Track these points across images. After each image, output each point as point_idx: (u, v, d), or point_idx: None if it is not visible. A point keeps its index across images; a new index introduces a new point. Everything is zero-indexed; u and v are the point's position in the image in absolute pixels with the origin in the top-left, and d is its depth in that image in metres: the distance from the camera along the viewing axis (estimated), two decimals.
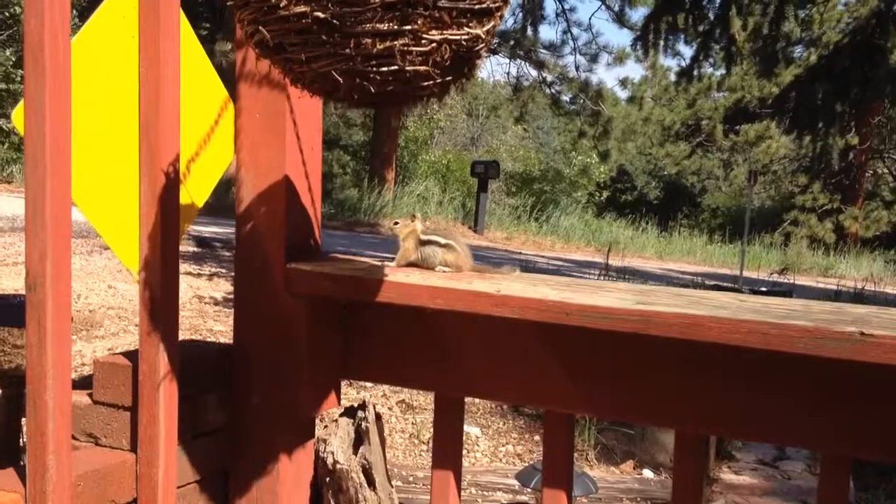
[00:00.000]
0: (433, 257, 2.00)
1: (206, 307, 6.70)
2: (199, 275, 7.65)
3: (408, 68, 1.33)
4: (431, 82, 1.40)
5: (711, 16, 9.02)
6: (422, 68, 1.34)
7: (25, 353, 2.62)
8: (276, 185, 2.05)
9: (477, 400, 5.20)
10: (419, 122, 30.14)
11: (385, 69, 1.33)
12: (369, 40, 1.29)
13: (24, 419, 2.74)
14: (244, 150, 2.07)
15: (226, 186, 18.72)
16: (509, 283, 1.90)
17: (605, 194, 32.41)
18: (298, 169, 2.09)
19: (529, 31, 18.54)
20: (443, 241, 2.00)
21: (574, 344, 1.90)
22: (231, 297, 7.31)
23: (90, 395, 1.95)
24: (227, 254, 9.20)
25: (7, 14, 16.86)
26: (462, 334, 2.01)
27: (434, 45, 1.32)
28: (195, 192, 2.07)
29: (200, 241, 9.05)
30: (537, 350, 1.93)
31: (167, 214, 1.85)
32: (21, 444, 2.75)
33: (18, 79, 16.41)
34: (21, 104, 1.63)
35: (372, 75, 1.34)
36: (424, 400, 5.17)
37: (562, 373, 1.92)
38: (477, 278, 1.94)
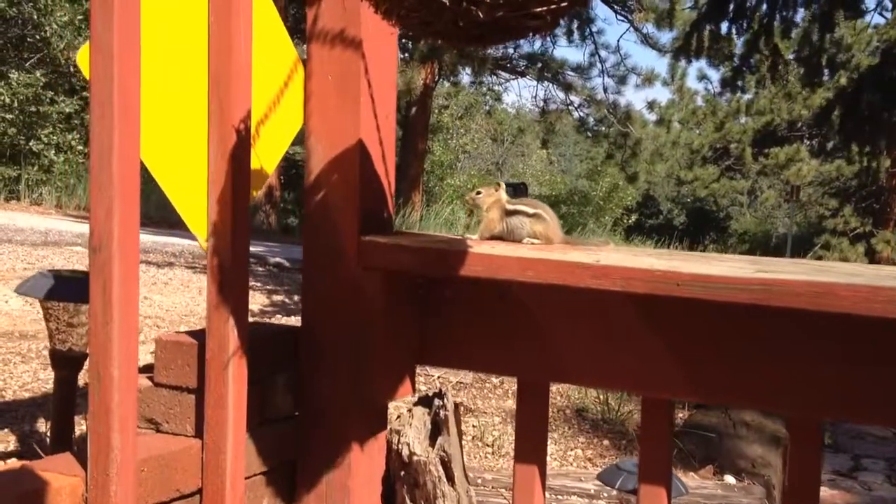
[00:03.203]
0: (520, 228, 1.84)
1: None
2: None
3: None
4: (545, 8, 1.25)
5: (756, 25, 8.84)
6: None
7: (80, 331, 2.49)
8: (348, 152, 1.90)
9: None
10: (445, 146, 30.12)
11: None
12: None
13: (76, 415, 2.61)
14: (315, 116, 1.93)
15: (253, 210, 18.75)
16: (608, 254, 1.74)
17: (633, 218, 32.19)
18: (372, 135, 1.94)
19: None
20: (531, 210, 1.84)
21: (678, 321, 1.73)
22: (269, 308, 7.21)
23: (150, 378, 1.80)
24: (262, 269, 9.09)
25: (38, 37, 16.95)
26: (550, 313, 1.84)
27: None
28: (264, 156, 1.92)
29: None
30: (635, 329, 1.76)
31: (238, 175, 1.70)
32: (73, 437, 2.60)
33: (48, 100, 16.47)
34: (86, 45, 1.49)
35: None
36: (483, 403, 4.99)
37: (663, 354, 1.74)
38: (571, 249, 1.78)
